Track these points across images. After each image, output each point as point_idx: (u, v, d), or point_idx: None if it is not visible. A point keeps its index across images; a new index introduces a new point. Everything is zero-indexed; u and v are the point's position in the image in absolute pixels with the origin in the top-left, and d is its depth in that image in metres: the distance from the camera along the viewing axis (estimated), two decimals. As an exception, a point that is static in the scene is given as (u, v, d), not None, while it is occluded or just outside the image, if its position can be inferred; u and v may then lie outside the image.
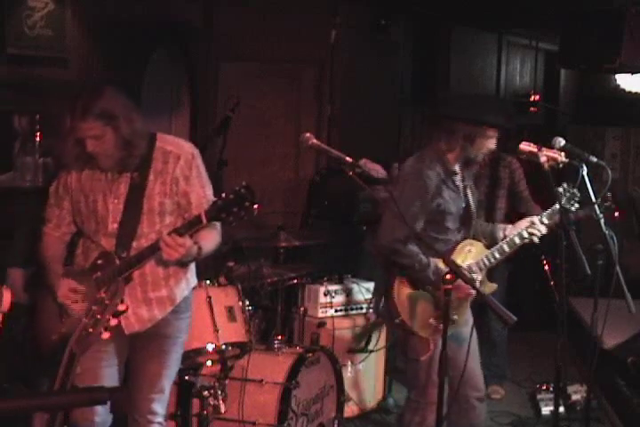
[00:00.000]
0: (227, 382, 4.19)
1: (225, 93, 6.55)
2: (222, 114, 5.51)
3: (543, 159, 3.71)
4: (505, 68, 10.25)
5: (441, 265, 3.76)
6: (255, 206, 3.00)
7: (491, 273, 4.01)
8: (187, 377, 4.18)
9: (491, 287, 3.95)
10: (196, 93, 7.07)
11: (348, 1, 7.42)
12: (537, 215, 3.95)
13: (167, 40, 6.77)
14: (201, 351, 4.05)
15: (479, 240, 3.96)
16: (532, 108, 9.77)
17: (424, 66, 8.96)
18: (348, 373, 5.00)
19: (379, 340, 5.25)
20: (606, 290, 3.80)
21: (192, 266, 3.54)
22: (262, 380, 4.25)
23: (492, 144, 3.83)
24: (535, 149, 3.74)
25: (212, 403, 4.10)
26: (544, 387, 5.50)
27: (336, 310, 5.18)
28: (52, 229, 3.52)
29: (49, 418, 2.73)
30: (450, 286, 3.55)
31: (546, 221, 3.89)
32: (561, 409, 4.48)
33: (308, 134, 3.41)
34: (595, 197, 3.80)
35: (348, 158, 3.30)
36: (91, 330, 2.76)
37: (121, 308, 2.79)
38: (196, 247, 3.20)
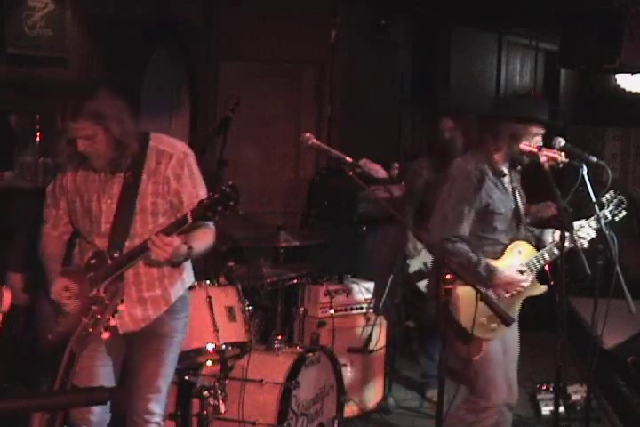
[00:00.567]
0: (227, 382, 4.19)
1: (225, 93, 6.55)
2: (222, 114, 5.50)
3: (543, 159, 3.72)
4: (505, 68, 10.26)
5: (492, 263, 3.79)
6: (239, 207, 3.01)
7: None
8: (187, 377, 4.18)
9: (540, 289, 3.96)
10: (196, 93, 7.07)
11: (348, 1, 7.42)
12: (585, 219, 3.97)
13: (167, 40, 6.77)
14: (201, 351, 4.05)
15: (530, 242, 3.97)
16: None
17: (424, 66, 8.97)
18: (347, 373, 5.00)
19: (379, 340, 5.25)
20: (606, 290, 3.80)
21: (188, 266, 3.54)
22: (262, 380, 4.25)
23: (538, 142, 3.84)
24: (535, 149, 3.75)
25: (211, 403, 4.10)
26: (544, 387, 5.50)
27: (336, 310, 5.17)
28: (50, 228, 3.54)
29: (49, 418, 2.73)
30: (450, 287, 3.56)
31: (594, 225, 3.92)
32: (561, 409, 4.48)
33: (307, 134, 3.41)
34: (595, 197, 3.80)
35: (348, 158, 3.30)
36: (91, 330, 2.75)
37: (121, 308, 2.79)
38: (185, 247, 3.20)
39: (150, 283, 3.38)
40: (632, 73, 7.77)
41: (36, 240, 3.59)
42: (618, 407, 4.70)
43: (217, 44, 7.17)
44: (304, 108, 7.42)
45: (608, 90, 9.77)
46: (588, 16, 6.59)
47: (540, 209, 4.13)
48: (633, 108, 9.38)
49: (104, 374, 3.37)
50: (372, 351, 5.20)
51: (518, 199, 3.91)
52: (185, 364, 4.13)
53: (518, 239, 3.93)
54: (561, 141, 3.83)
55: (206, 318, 4.05)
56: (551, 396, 5.30)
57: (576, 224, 3.97)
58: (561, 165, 3.73)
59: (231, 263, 4.62)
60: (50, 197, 3.52)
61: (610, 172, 3.84)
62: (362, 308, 5.31)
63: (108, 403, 3.39)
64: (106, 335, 2.78)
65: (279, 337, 4.54)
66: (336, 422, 4.63)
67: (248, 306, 4.28)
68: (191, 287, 4.08)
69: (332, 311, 5.14)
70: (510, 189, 3.90)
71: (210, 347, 4.03)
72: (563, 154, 3.74)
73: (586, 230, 3.93)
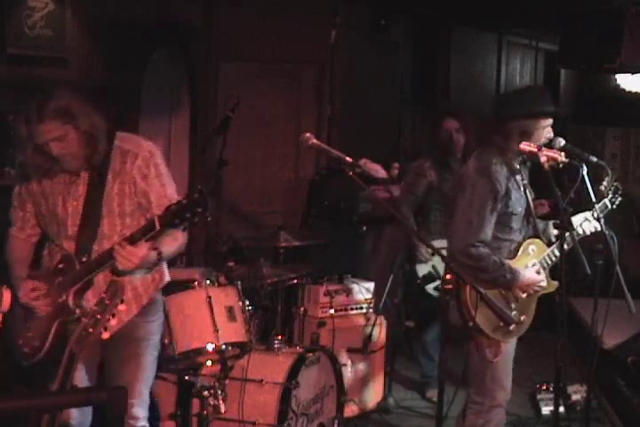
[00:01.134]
0: (227, 382, 4.18)
1: (225, 93, 6.55)
2: (222, 114, 5.51)
3: (543, 159, 3.71)
4: (505, 68, 10.26)
5: (512, 265, 3.79)
6: (207, 214, 2.96)
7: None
8: (187, 377, 4.17)
9: (553, 285, 3.95)
10: (196, 93, 7.06)
11: (348, 1, 7.42)
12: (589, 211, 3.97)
13: (167, 40, 6.77)
14: (201, 351, 4.04)
15: (539, 238, 3.97)
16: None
17: (424, 66, 8.97)
18: (347, 373, 5.00)
19: (379, 340, 5.25)
20: (606, 290, 3.80)
21: (161, 265, 3.45)
22: (262, 380, 4.25)
23: (549, 133, 3.83)
24: (535, 149, 3.74)
25: (212, 403, 4.09)
26: (544, 387, 5.50)
27: (336, 310, 5.17)
28: (17, 231, 3.48)
29: (49, 418, 2.73)
30: (450, 286, 3.56)
31: (595, 216, 3.92)
32: (561, 409, 4.48)
33: (307, 134, 3.40)
34: (595, 197, 3.80)
35: (348, 158, 3.29)
36: (91, 330, 2.76)
37: (121, 308, 2.79)
38: (155, 253, 3.15)
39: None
40: (632, 73, 7.76)
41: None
42: (618, 407, 4.70)
43: (217, 44, 7.17)
44: (304, 108, 7.41)
45: (608, 90, 9.77)
46: (588, 16, 6.59)
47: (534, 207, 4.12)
48: (633, 108, 9.38)
49: (78, 379, 3.27)
50: (371, 351, 5.20)
51: (529, 197, 3.90)
52: (185, 364, 4.13)
53: (530, 236, 3.94)
54: (561, 141, 3.83)
55: (206, 318, 4.05)
56: (551, 396, 5.30)
57: (581, 216, 3.98)
58: (561, 165, 3.73)
59: (231, 263, 4.61)
60: (16, 198, 3.45)
61: (610, 172, 3.84)
62: (362, 308, 5.31)
63: (90, 408, 3.39)
64: (106, 335, 2.78)
65: (279, 337, 4.54)
66: (336, 422, 4.63)
67: (248, 306, 4.28)
68: (191, 287, 4.11)
69: (332, 311, 5.14)
70: (522, 186, 3.90)
71: (210, 347, 4.03)
72: (563, 154, 3.73)
73: (593, 223, 3.94)
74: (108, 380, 3.44)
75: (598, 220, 3.87)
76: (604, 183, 3.98)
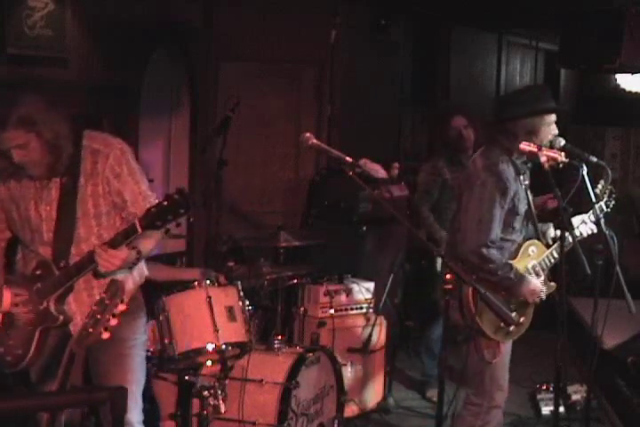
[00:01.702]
0: (227, 382, 4.18)
1: (225, 93, 6.54)
2: (222, 114, 5.50)
3: (543, 159, 3.71)
4: (505, 68, 10.25)
5: (516, 266, 3.79)
6: (189, 214, 2.93)
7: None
8: (187, 377, 4.17)
9: (551, 287, 3.96)
10: (196, 93, 7.06)
11: (348, 1, 7.42)
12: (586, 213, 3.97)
13: (167, 40, 6.77)
14: (201, 351, 4.04)
15: (539, 240, 3.97)
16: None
17: (424, 66, 8.96)
18: (347, 373, 5.00)
19: (378, 340, 5.25)
20: (606, 290, 3.80)
21: (139, 264, 3.41)
22: (262, 380, 4.25)
23: (554, 130, 3.83)
24: (535, 149, 3.74)
25: (211, 403, 4.09)
26: (544, 387, 5.51)
27: (336, 310, 5.17)
28: None
29: (49, 418, 2.73)
30: (450, 286, 3.56)
31: (594, 219, 3.92)
32: (561, 409, 4.49)
33: (307, 134, 3.40)
34: (595, 197, 3.80)
35: (348, 158, 3.29)
36: (91, 330, 2.75)
37: (121, 308, 2.78)
38: (134, 252, 3.13)
39: (101, 285, 3.21)
40: (632, 73, 7.76)
41: None
42: (618, 407, 4.70)
43: (217, 44, 7.16)
44: (304, 108, 7.41)
45: (608, 90, 9.77)
46: (588, 16, 6.58)
47: (542, 201, 4.10)
48: (633, 108, 9.37)
49: None
50: (371, 351, 5.20)
51: (530, 197, 3.90)
52: (185, 364, 4.13)
53: (529, 238, 3.94)
54: (561, 141, 3.83)
55: (206, 318, 4.05)
56: (551, 396, 5.30)
57: (578, 219, 3.98)
58: (561, 165, 3.73)
59: (231, 263, 4.61)
60: None
61: (610, 172, 3.85)
62: (362, 308, 5.31)
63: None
64: (106, 335, 2.77)
65: (279, 337, 4.54)
66: (336, 422, 4.63)
67: (248, 306, 4.28)
68: (191, 287, 4.11)
69: (331, 311, 5.14)
70: (524, 187, 3.90)
71: (210, 347, 4.03)
72: (563, 154, 3.73)
73: (589, 225, 3.94)
74: (97, 384, 3.39)
75: (597, 220, 3.87)
76: (599, 186, 3.98)
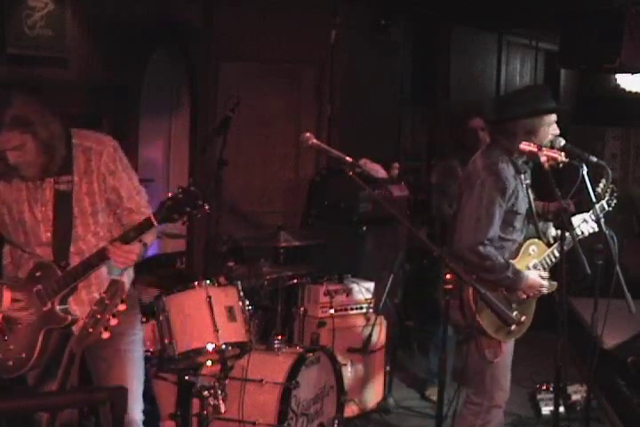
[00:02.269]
0: (227, 382, 4.18)
1: (225, 93, 6.54)
2: (222, 114, 5.50)
3: (543, 159, 3.71)
4: (505, 68, 10.25)
5: (517, 266, 3.79)
6: (206, 206, 2.93)
7: None
8: (187, 377, 4.17)
9: (552, 286, 3.96)
10: (196, 93, 7.06)
11: (348, 1, 7.42)
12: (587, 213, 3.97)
13: (167, 40, 6.77)
14: (201, 351, 4.04)
15: (540, 239, 3.97)
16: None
17: (424, 66, 8.96)
18: (347, 373, 5.00)
19: (378, 340, 5.25)
20: (606, 290, 3.80)
21: None
22: (262, 380, 4.25)
23: (554, 130, 3.84)
24: (535, 149, 3.74)
25: (211, 403, 4.09)
26: (544, 387, 5.50)
27: (336, 310, 5.17)
28: None
29: (49, 418, 2.72)
30: (450, 286, 3.56)
31: (593, 217, 3.92)
32: (561, 409, 4.48)
33: (307, 134, 3.40)
34: (596, 196, 3.81)
35: (348, 158, 3.29)
36: (91, 330, 2.75)
37: (121, 308, 2.78)
38: (141, 245, 3.13)
39: (99, 283, 3.27)
40: (632, 73, 7.76)
41: None
42: (618, 407, 4.70)
43: (217, 44, 7.16)
44: (304, 108, 7.41)
45: (608, 90, 9.77)
46: (588, 16, 6.58)
47: (542, 205, 4.11)
48: (633, 108, 9.37)
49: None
50: (371, 351, 5.20)
51: (531, 196, 3.90)
52: (185, 364, 4.13)
53: (530, 237, 3.93)
54: (561, 141, 3.84)
55: (206, 318, 4.05)
56: (551, 396, 5.30)
57: (579, 218, 3.98)
58: (561, 165, 3.73)
59: (231, 263, 4.61)
60: None
61: (610, 172, 3.84)
62: (362, 308, 5.31)
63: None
64: (106, 335, 2.77)
65: (279, 337, 4.54)
66: (336, 422, 4.63)
67: (248, 306, 4.28)
68: (191, 287, 4.11)
69: (331, 311, 5.14)
70: (525, 187, 3.90)
71: (210, 347, 4.02)
72: (563, 154, 3.73)
73: (590, 224, 3.95)
74: (97, 382, 3.38)
75: (598, 220, 3.87)
76: (601, 185, 3.99)
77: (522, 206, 3.84)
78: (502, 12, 8.37)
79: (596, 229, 3.96)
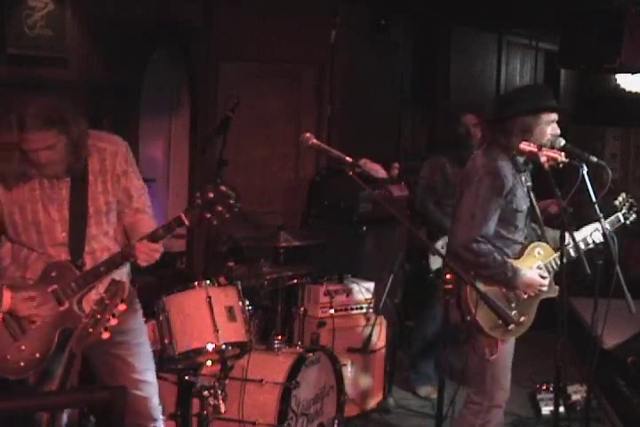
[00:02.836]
0: (227, 382, 4.19)
1: (225, 93, 6.54)
2: (222, 114, 5.50)
3: (543, 159, 3.71)
4: (505, 68, 10.26)
5: (515, 264, 3.79)
6: (238, 204, 2.95)
7: None
8: (187, 377, 4.17)
9: (555, 290, 3.96)
10: (196, 93, 7.06)
11: (348, 1, 7.42)
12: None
13: (167, 40, 6.77)
14: (201, 351, 4.04)
15: (547, 243, 3.96)
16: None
17: (424, 66, 8.97)
18: (348, 373, 5.00)
19: (379, 340, 5.25)
20: (606, 290, 3.79)
21: None
22: (262, 380, 4.25)
23: (554, 130, 3.83)
24: (535, 149, 3.74)
25: (211, 403, 4.10)
26: (544, 387, 5.50)
27: (336, 310, 5.17)
28: None
29: (49, 418, 2.73)
30: (450, 286, 3.56)
31: (609, 227, 3.91)
32: (561, 409, 4.48)
33: (307, 134, 3.40)
34: (595, 197, 3.80)
35: (348, 158, 3.29)
36: (91, 330, 2.75)
37: (121, 308, 2.78)
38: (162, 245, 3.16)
39: (105, 284, 3.19)
40: (632, 73, 7.76)
41: None
42: (618, 407, 4.70)
43: (217, 44, 7.17)
44: (304, 108, 7.41)
45: (608, 90, 9.76)
46: (588, 16, 6.58)
47: (544, 206, 4.11)
48: (633, 108, 9.37)
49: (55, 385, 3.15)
50: (371, 351, 5.20)
51: (532, 196, 3.90)
52: (185, 364, 4.13)
53: (537, 239, 3.93)
54: (561, 141, 3.83)
55: (206, 318, 4.05)
56: (551, 396, 5.30)
57: (591, 227, 3.97)
58: (561, 165, 3.73)
59: (231, 263, 4.61)
60: None
61: (610, 172, 3.84)
62: (362, 308, 5.31)
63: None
64: (106, 335, 2.77)
65: (279, 337, 4.54)
66: (336, 422, 4.63)
67: (248, 306, 4.28)
68: (191, 287, 4.11)
69: (332, 311, 5.14)
70: (526, 187, 3.90)
71: (210, 347, 4.03)
72: (563, 154, 3.73)
73: (598, 235, 3.94)
74: (112, 379, 3.35)
75: (600, 221, 3.85)
76: (620, 198, 3.99)
77: (521, 204, 3.83)
78: (502, 12, 8.37)
79: (601, 239, 3.95)
